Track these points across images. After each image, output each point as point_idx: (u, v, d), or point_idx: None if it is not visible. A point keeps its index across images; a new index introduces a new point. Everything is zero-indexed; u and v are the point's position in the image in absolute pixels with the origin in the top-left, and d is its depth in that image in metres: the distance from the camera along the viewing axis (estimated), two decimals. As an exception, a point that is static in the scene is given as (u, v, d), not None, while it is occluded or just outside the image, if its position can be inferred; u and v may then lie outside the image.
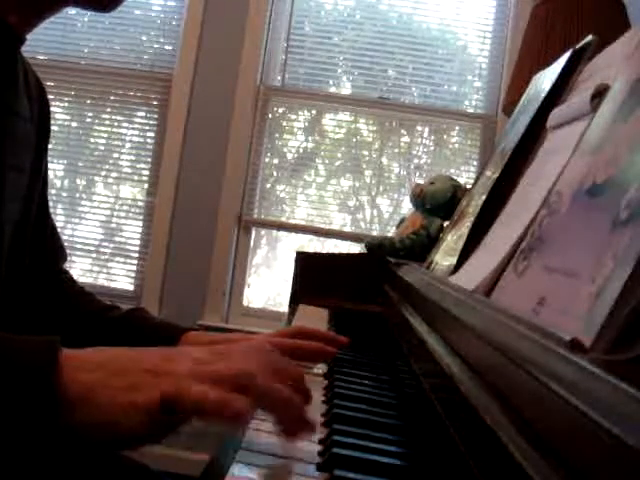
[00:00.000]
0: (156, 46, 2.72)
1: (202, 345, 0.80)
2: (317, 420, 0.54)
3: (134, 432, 0.44)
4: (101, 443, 0.46)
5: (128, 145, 2.71)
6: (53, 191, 2.71)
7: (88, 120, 2.74)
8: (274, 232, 2.75)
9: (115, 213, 2.71)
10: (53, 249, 0.95)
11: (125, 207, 2.72)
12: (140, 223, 2.68)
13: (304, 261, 1.43)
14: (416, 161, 2.68)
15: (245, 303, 2.65)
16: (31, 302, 0.89)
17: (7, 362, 0.44)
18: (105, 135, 2.73)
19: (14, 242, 0.81)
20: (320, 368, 0.80)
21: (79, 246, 2.67)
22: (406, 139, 2.68)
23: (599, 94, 0.57)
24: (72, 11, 2.66)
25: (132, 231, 2.69)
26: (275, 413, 0.48)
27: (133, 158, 2.72)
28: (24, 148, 0.82)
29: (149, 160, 2.68)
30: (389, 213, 2.69)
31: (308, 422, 0.49)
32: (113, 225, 2.71)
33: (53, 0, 0.79)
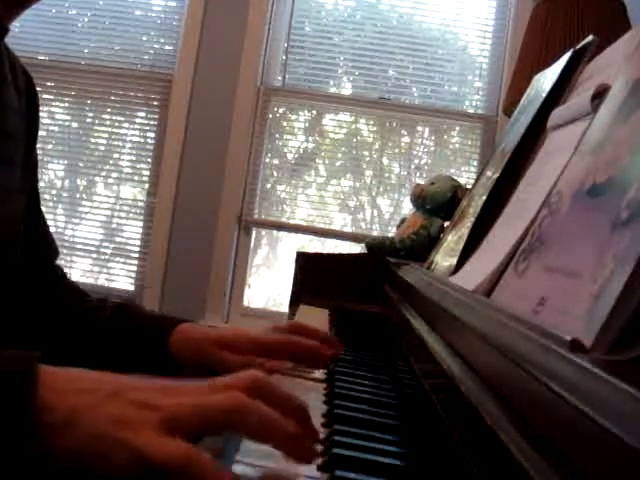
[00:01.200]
0: (156, 46, 2.72)
1: (196, 336, 0.79)
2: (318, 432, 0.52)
3: (119, 469, 0.40)
4: (80, 473, 0.42)
5: (128, 145, 2.71)
6: (53, 191, 2.71)
7: (88, 120, 2.74)
8: (274, 232, 2.75)
9: (115, 213, 2.71)
10: (45, 243, 0.94)
11: (125, 207, 2.72)
12: (140, 223, 2.68)
13: (304, 261, 1.43)
14: (416, 161, 2.68)
15: (245, 303, 2.65)
16: (23, 297, 0.88)
17: None
18: (105, 135, 2.73)
19: (8, 236, 0.80)
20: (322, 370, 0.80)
21: (79, 246, 2.66)
22: (406, 139, 2.68)
23: (599, 94, 0.57)
24: (72, 11, 2.67)
25: (132, 231, 2.69)
26: (273, 444, 0.44)
27: (133, 158, 2.72)
28: (14, 141, 0.81)
29: (149, 160, 2.68)
30: (389, 213, 2.69)
31: (310, 449, 0.46)
32: (113, 225, 2.71)
33: None
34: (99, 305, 0.89)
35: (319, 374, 0.77)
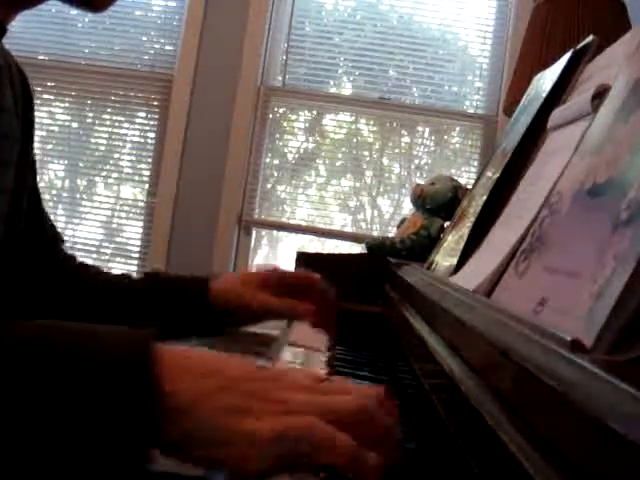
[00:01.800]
0: (157, 46, 2.72)
1: (230, 285, 0.82)
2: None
3: (236, 462, 0.39)
4: (199, 464, 0.40)
5: (129, 145, 2.71)
6: (54, 192, 2.71)
7: (89, 120, 2.74)
8: (275, 232, 2.75)
9: (116, 214, 2.71)
10: (52, 236, 0.95)
11: (126, 207, 2.72)
12: (141, 224, 2.68)
13: (305, 261, 1.43)
14: (417, 161, 2.68)
15: (246, 303, 2.65)
16: (44, 292, 0.88)
17: (97, 365, 0.38)
18: (106, 135, 2.73)
19: (6, 235, 0.81)
20: (322, 369, 0.80)
21: (80, 246, 2.67)
22: (407, 139, 2.68)
23: (600, 94, 0.57)
24: (73, 11, 2.67)
25: (133, 232, 2.69)
26: (382, 456, 0.42)
27: (134, 158, 2.72)
28: (10, 142, 0.81)
29: (150, 160, 2.68)
30: (390, 213, 2.69)
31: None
32: (114, 225, 2.71)
33: None
34: (124, 276, 0.91)
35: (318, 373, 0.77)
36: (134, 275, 0.91)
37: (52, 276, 0.90)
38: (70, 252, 0.99)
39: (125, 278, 0.90)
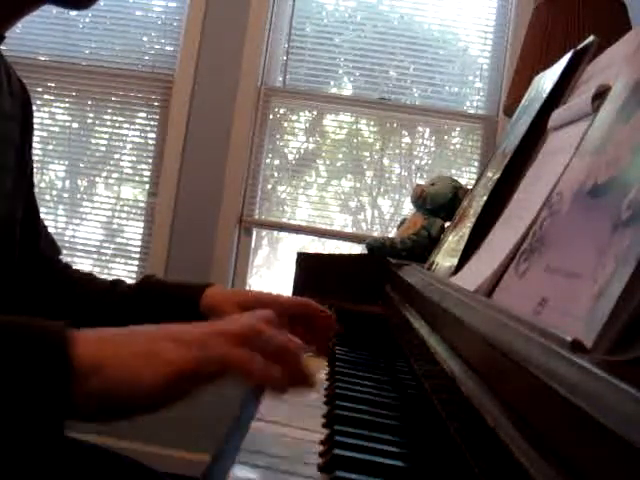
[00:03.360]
0: (157, 47, 2.72)
1: (221, 299, 0.83)
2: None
3: (149, 396, 0.44)
4: (115, 411, 0.44)
5: (129, 146, 2.71)
6: (54, 192, 2.71)
7: (89, 121, 2.74)
8: (275, 233, 2.75)
9: (116, 214, 2.71)
10: (48, 245, 0.95)
11: (126, 208, 2.72)
12: (141, 224, 2.68)
13: (305, 262, 1.43)
14: (417, 162, 2.68)
15: (246, 304, 2.64)
16: (38, 299, 0.89)
17: (18, 340, 0.42)
18: (106, 136, 2.73)
19: (1, 239, 0.81)
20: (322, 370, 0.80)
21: (80, 247, 2.66)
22: (407, 140, 2.68)
23: (600, 95, 0.57)
24: (73, 12, 2.67)
25: (133, 232, 2.69)
26: (280, 365, 0.48)
27: (134, 159, 2.72)
28: (8, 146, 0.81)
29: (150, 161, 2.68)
30: (390, 214, 2.69)
31: (310, 375, 0.51)
32: (114, 226, 2.71)
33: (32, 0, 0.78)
34: (115, 282, 0.92)
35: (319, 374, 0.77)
36: (128, 281, 0.92)
37: (46, 287, 0.90)
38: (66, 261, 0.99)
39: (119, 284, 0.90)
